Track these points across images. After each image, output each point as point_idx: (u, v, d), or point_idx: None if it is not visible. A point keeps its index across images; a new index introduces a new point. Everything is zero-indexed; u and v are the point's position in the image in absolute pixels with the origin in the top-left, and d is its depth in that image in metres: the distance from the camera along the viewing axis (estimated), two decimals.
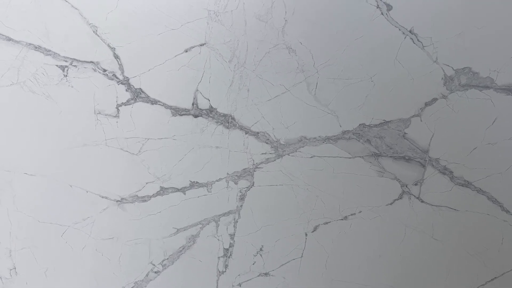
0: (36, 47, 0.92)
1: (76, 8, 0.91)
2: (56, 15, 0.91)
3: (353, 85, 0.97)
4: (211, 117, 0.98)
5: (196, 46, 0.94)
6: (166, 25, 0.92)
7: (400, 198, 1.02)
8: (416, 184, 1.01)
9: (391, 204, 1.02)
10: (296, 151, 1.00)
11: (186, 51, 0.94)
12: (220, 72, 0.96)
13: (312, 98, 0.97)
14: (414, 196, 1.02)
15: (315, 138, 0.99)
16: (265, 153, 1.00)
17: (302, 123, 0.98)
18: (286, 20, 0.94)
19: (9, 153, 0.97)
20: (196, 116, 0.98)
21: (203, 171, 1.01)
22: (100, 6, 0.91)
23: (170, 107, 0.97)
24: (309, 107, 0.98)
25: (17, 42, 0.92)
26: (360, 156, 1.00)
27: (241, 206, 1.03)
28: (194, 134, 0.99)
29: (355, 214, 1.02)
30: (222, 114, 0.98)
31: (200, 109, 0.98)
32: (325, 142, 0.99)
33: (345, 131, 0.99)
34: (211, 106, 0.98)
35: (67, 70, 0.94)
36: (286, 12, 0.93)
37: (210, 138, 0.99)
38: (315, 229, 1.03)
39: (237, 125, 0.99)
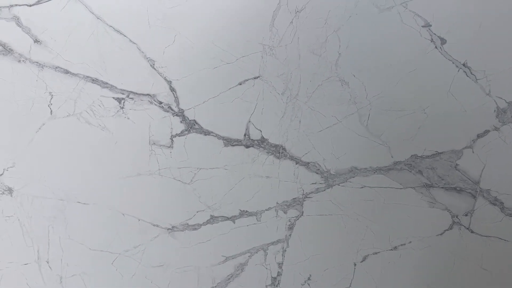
0: (93, 80, 1.06)
1: (134, 43, 1.04)
2: (114, 49, 1.04)
3: (405, 117, 1.09)
4: (262, 147, 1.11)
5: (250, 79, 1.07)
6: (222, 59, 1.05)
7: (450, 229, 1.14)
8: (466, 215, 1.13)
9: (441, 234, 1.14)
10: (346, 181, 1.12)
11: (240, 84, 1.07)
12: (272, 104, 1.08)
13: (364, 129, 1.10)
14: (464, 226, 1.14)
15: (366, 168, 1.12)
16: (315, 183, 1.13)
17: (353, 154, 1.11)
18: (339, 54, 1.06)
19: (64, 182, 1.10)
20: (247, 147, 1.11)
21: (253, 200, 1.14)
22: (157, 40, 1.04)
23: (222, 138, 1.10)
24: (360, 138, 1.10)
25: (75, 74, 1.05)
26: (411, 187, 1.12)
27: (290, 235, 1.15)
28: (245, 164, 1.12)
29: (405, 244, 1.15)
30: (273, 145, 1.11)
31: (252, 139, 1.11)
32: (376, 173, 1.12)
33: (397, 161, 1.11)
34: (263, 137, 1.11)
35: (124, 102, 1.07)
36: (340, 46, 1.06)
37: (261, 168, 1.12)
38: (364, 259, 1.15)
39: (288, 155, 1.12)
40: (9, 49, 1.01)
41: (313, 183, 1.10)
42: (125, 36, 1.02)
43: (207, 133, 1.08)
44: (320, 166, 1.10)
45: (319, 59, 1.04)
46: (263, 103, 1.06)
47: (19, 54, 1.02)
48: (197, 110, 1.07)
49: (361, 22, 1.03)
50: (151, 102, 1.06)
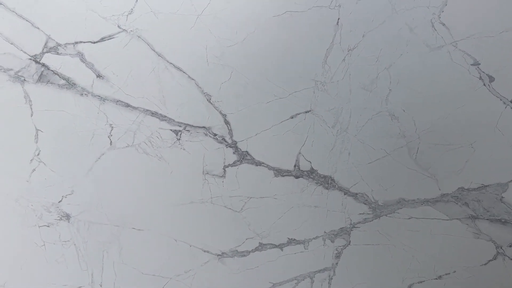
0: (152, 113, 1.23)
1: (192, 79, 1.21)
2: (173, 84, 1.21)
3: (453, 151, 1.24)
4: (311, 178, 1.27)
5: (301, 113, 1.23)
6: (275, 94, 1.21)
7: (494, 259, 1.29)
8: (510, 246, 1.27)
9: (485, 264, 1.29)
10: (394, 212, 1.28)
11: (292, 117, 1.23)
12: (322, 137, 1.24)
13: (412, 162, 1.25)
14: (509, 257, 1.28)
15: (413, 200, 1.27)
16: (362, 213, 1.28)
17: (401, 186, 1.26)
18: (390, 90, 1.21)
19: (120, 209, 1.28)
20: (297, 177, 1.27)
21: (301, 228, 1.30)
22: (215, 77, 1.20)
23: (273, 168, 1.26)
24: (409, 171, 1.25)
25: (135, 108, 1.22)
26: (457, 218, 1.27)
27: (337, 263, 1.31)
28: (294, 194, 1.28)
29: (449, 273, 1.30)
30: (322, 176, 1.27)
31: (301, 170, 1.26)
32: (423, 204, 1.27)
33: (444, 194, 1.26)
34: (312, 168, 1.26)
35: (181, 134, 1.24)
36: (390, 82, 1.21)
37: (310, 197, 1.28)
38: (409, 287, 1.31)
39: (337, 186, 1.27)
40: (73, 83, 1.18)
41: (360, 214, 1.26)
42: (184, 72, 1.18)
43: (258, 163, 1.24)
44: (368, 197, 1.25)
45: (370, 94, 1.19)
46: (314, 136, 1.22)
47: (82, 88, 1.19)
48: (249, 142, 1.23)
49: (412, 60, 1.18)
50: (206, 134, 1.22)
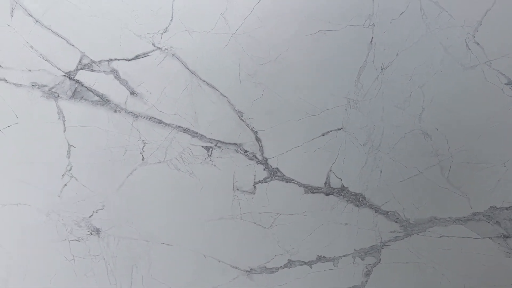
0: (184, 130, 1.29)
1: (225, 96, 1.27)
2: (205, 102, 1.27)
3: (486, 169, 1.29)
4: (342, 195, 1.33)
5: (333, 130, 1.29)
6: (307, 112, 1.28)
7: None
8: None
9: None
10: (425, 231, 1.33)
11: (323, 135, 1.29)
12: (354, 154, 1.30)
13: (444, 180, 1.30)
14: None
15: (445, 218, 1.33)
16: (393, 232, 1.34)
17: (433, 204, 1.32)
18: (423, 108, 1.27)
19: (150, 224, 1.34)
20: (327, 194, 1.33)
21: (330, 246, 1.36)
22: (247, 94, 1.27)
23: (303, 185, 1.33)
24: (441, 189, 1.31)
25: (168, 124, 1.29)
26: (489, 237, 1.33)
27: (366, 281, 1.37)
28: (325, 211, 1.34)
29: None
30: (353, 193, 1.33)
31: (332, 187, 1.33)
32: (455, 223, 1.32)
33: (476, 212, 1.32)
34: (343, 185, 1.33)
35: (212, 150, 1.30)
36: (424, 100, 1.27)
37: (340, 215, 1.34)
38: None
39: (367, 204, 1.33)
40: (106, 99, 1.26)
41: (391, 232, 1.32)
42: (216, 90, 1.25)
43: (288, 180, 1.31)
44: (399, 215, 1.31)
45: (403, 112, 1.25)
46: (345, 153, 1.28)
47: (115, 104, 1.26)
48: (280, 159, 1.29)
49: (445, 78, 1.24)
50: (237, 151, 1.29)
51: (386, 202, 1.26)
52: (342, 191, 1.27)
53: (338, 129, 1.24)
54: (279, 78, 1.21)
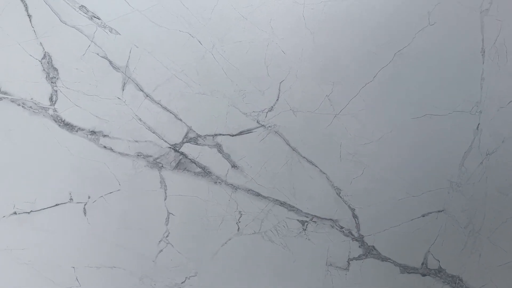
0: (281, 203, 1.54)
1: (324, 173, 1.51)
2: (304, 177, 1.52)
3: None
4: (438, 277, 1.54)
5: (433, 212, 1.50)
6: (408, 192, 1.50)
7: None
8: None
9: None
10: None
11: (423, 216, 1.51)
12: (453, 237, 1.51)
13: None
14: None
15: None
16: None
17: None
18: None
19: None
20: (424, 275, 1.54)
21: None
22: (346, 172, 1.50)
23: (399, 265, 1.54)
24: None
25: (265, 197, 1.54)
26: None
27: None
28: None
29: None
30: (450, 275, 1.54)
31: (428, 268, 1.54)
32: None
33: None
34: (440, 267, 1.54)
35: (307, 225, 1.54)
36: None
37: None
38: None
39: (464, 286, 1.54)
40: (208, 171, 1.52)
41: None
42: (316, 166, 1.49)
43: (384, 259, 1.53)
44: None
45: (506, 198, 1.46)
46: (444, 235, 1.49)
47: (216, 176, 1.52)
48: (376, 237, 1.52)
49: None
50: (332, 226, 1.52)
51: (483, 286, 1.47)
52: (439, 272, 1.48)
53: (439, 211, 1.45)
54: (381, 157, 1.43)
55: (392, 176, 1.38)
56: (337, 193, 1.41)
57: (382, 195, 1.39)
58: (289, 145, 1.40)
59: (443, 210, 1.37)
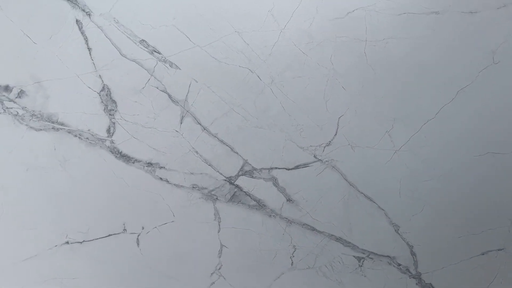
0: (337, 238, 1.62)
1: (382, 209, 1.59)
2: (361, 213, 1.60)
3: None
4: None
5: (493, 250, 1.57)
6: (468, 230, 1.56)
7: None
8: None
9: None
10: None
11: (483, 254, 1.57)
12: None
13: None
14: None
15: None
16: None
17: None
18: None
19: None
20: None
21: None
22: (405, 209, 1.57)
23: None
24: None
25: (320, 232, 1.62)
26: None
27: None
28: None
29: None
30: None
31: None
32: None
33: None
34: None
35: (363, 261, 1.62)
36: None
37: None
38: None
39: None
40: (263, 204, 1.61)
41: None
42: (374, 202, 1.57)
43: None
44: None
45: None
46: (504, 274, 1.56)
47: (271, 209, 1.61)
48: (434, 275, 1.59)
49: None
50: (389, 263, 1.60)
51: None
52: None
53: (499, 250, 1.52)
54: (442, 195, 1.50)
55: (452, 213, 1.45)
56: (395, 230, 1.48)
57: (441, 233, 1.47)
58: (346, 180, 1.48)
59: (503, 249, 1.44)
